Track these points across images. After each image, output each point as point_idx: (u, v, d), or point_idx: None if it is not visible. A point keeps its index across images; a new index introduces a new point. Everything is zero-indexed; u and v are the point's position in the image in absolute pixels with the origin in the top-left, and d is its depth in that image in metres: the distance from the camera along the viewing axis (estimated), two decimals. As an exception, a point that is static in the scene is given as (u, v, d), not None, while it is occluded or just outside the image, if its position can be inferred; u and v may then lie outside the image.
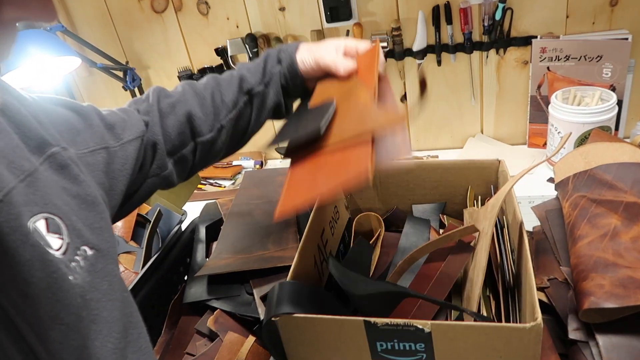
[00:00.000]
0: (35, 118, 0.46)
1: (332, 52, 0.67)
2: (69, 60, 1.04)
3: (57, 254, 0.40)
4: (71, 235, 0.42)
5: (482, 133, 1.29)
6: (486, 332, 0.48)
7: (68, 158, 0.47)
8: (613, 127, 1.02)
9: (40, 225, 0.40)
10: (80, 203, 0.46)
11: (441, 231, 0.77)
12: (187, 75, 1.34)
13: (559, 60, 1.10)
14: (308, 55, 0.68)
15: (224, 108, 0.68)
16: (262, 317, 0.67)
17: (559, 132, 1.05)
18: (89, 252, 0.44)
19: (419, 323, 0.49)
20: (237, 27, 1.25)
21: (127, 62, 1.34)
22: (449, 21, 1.13)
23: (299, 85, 0.70)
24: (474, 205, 0.74)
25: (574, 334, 0.61)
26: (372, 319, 0.50)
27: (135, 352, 0.45)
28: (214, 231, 0.92)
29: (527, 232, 0.82)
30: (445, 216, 0.79)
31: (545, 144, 1.16)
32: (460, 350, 0.50)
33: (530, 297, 0.51)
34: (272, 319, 0.54)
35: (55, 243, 0.40)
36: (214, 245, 0.89)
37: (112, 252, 0.47)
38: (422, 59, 1.19)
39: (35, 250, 0.37)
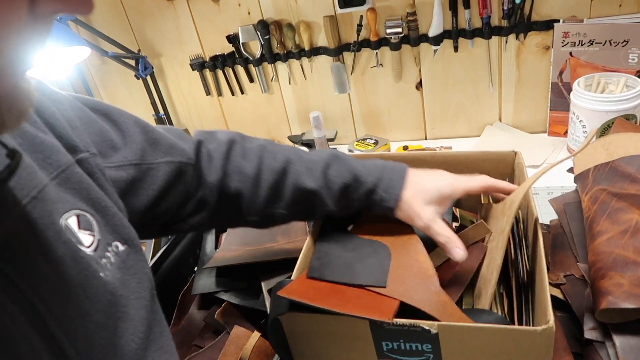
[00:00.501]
0: (68, 122, 0.45)
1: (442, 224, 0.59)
2: (79, 50, 1.04)
3: (88, 250, 0.40)
4: (102, 232, 0.42)
5: (500, 121, 1.25)
6: (495, 334, 0.46)
7: (95, 166, 0.46)
8: (638, 116, 0.98)
9: (72, 222, 0.40)
10: (108, 206, 0.45)
11: (454, 224, 0.75)
12: (199, 63, 1.33)
13: (582, 45, 1.05)
14: (412, 217, 0.59)
15: (282, 200, 0.61)
16: (268, 312, 0.66)
17: (580, 121, 1.01)
18: (121, 247, 0.44)
19: (425, 324, 0.47)
20: (249, 13, 1.23)
21: (138, 51, 1.33)
22: (467, 5, 1.08)
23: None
24: (487, 201, 0.71)
25: (590, 333, 0.59)
26: (378, 319, 0.49)
27: (156, 350, 0.44)
28: (223, 222, 0.91)
29: (544, 225, 0.79)
30: (458, 209, 0.77)
31: (566, 132, 1.12)
32: (468, 352, 0.48)
33: (543, 297, 0.49)
34: (277, 317, 0.53)
35: (86, 240, 0.40)
36: (223, 236, 0.88)
37: (142, 250, 0.47)
38: (439, 44, 1.15)
39: (67, 247, 0.37)
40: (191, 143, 0.60)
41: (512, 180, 0.74)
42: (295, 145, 1.33)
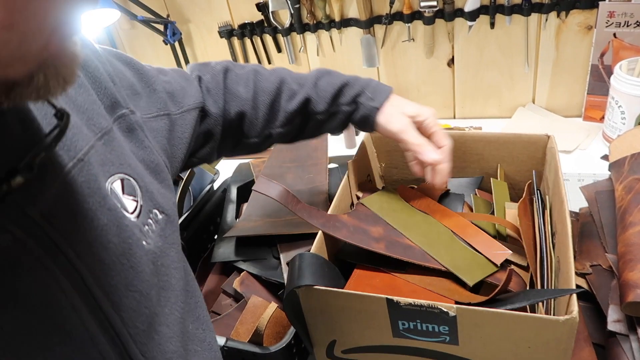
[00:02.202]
0: (110, 77, 0.45)
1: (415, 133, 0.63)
2: (109, 13, 1.04)
3: (132, 217, 0.39)
4: (144, 198, 0.42)
5: (534, 103, 1.21)
6: (515, 320, 0.45)
7: (135, 122, 0.46)
8: (682, 103, 0.93)
9: (116, 186, 0.39)
10: (146, 168, 0.45)
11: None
12: (228, 31, 1.31)
13: (627, 26, 0.99)
14: (390, 121, 0.64)
15: (278, 119, 0.65)
16: (286, 283, 0.66)
17: (619, 106, 0.97)
18: (160, 216, 0.43)
19: (443, 306, 0.47)
20: (280, -19, 1.20)
21: (168, 16, 1.32)
22: (507, -21, 1.03)
23: (367, 129, 0.67)
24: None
25: (613, 325, 0.57)
26: (395, 298, 0.48)
27: (194, 321, 0.45)
28: (245, 192, 0.92)
29: (573, 213, 0.77)
30: (480, 191, 0.75)
31: (602, 117, 1.07)
32: (485, 336, 0.48)
33: (568, 286, 0.47)
34: (294, 289, 0.53)
35: (130, 205, 0.39)
36: (244, 206, 0.88)
37: (177, 219, 0.47)
38: (474, 20, 1.10)
39: (112, 214, 0.36)
40: (196, 84, 0.61)
41: (542, 166, 0.72)
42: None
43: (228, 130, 0.64)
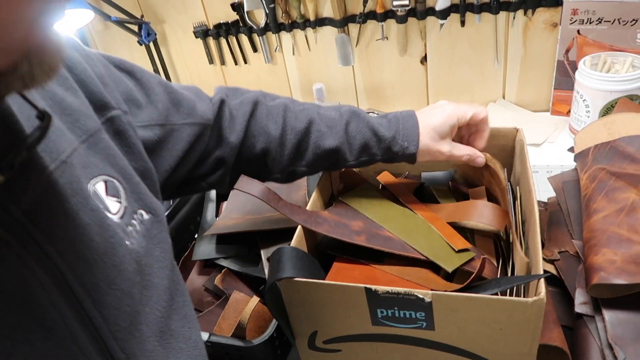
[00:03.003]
0: (100, 79, 0.45)
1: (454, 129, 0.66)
2: (82, 13, 1.03)
3: (115, 217, 0.39)
4: (129, 199, 0.42)
5: (504, 98, 1.24)
6: (488, 304, 0.47)
7: (127, 123, 0.46)
8: (643, 96, 0.97)
9: (99, 187, 0.39)
10: (135, 170, 0.45)
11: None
12: (203, 31, 1.31)
13: (590, 23, 1.04)
14: (432, 153, 0.65)
15: (304, 159, 0.65)
16: (267, 276, 0.67)
17: (584, 100, 1.01)
18: (146, 216, 0.44)
19: (419, 292, 0.49)
20: (254, -19, 1.21)
21: (142, 16, 1.31)
22: (476, -22, 1.07)
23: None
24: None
25: (580, 307, 0.60)
26: (373, 287, 0.50)
27: (180, 319, 0.45)
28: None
29: (541, 203, 0.80)
30: (453, 184, 0.77)
31: (569, 111, 1.12)
32: (460, 320, 0.50)
33: (536, 271, 0.50)
34: (275, 282, 0.54)
35: (113, 207, 0.40)
36: (224, 205, 0.89)
37: (164, 219, 0.47)
38: (445, 19, 1.13)
39: (94, 215, 0.37)
40: (209, 102, 0.61)
41: (512, 158, 0.75)
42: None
43: (249, 163, 0.64)
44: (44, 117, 0.32)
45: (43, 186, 0.33)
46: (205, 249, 0.80)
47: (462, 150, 0.67)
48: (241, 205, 0.86)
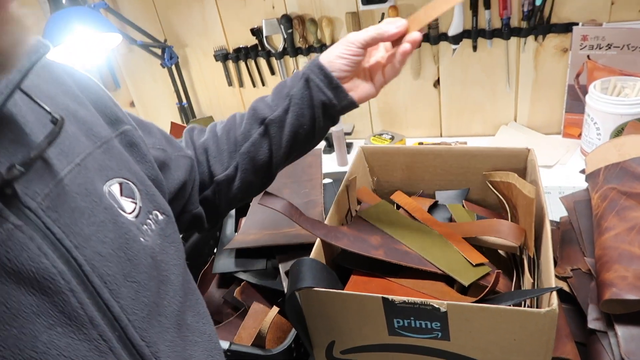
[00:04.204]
0: (111, 100, 0.49)
1: (361, 31, 0.61)
2: (111, 37, 1.08)
3: (130, 216, 0.42)
4: (144, 200, 0.45)
5: (516, 121, 1.27)
6: (502, 315, 0.49)
7: (139, 137, 0.50)
8: (653, 120, 0.99)
9: (114, 189, 0.42)
10: (148, 177, 0.49)
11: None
12: (223, 55, 1.37)
13: (600, 48, 1.06)
14: (335, 48, 0.61)
15: (236, 143, 0.64)
16: (285, 291, 0.69)
17: (595, 123, 1.03)
18: (160, 216, 0.47)
19: (435, 303, 0.50)
20: (273, 7, 1.26)
21: (165, 40, 1.37)
22: (487, 6, 1.10)
23: (332, 85, 0.61)
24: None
25: (593, 323, 0.62)
26: (390, 297, 0.52)
27: (194, 315, 0.47)
28: (243, 207, 0.95)
29: (554, 222, 0.82)
30: (466, 202, 0.79)
31: (580, 134, 1.14)
32: (474, 331, 0.51)
33: (548, 284, 0.51)
34: (295, 292, 0.56)
35: (128, 206, 0.43)
36: (243, 220, 0.92)
37: (175, 222, 0.50)
38: (458, 43, 1.17)
39: (108, 213, 0.40)
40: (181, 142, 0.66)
41: (524, 177, 0.77)
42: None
43: (202, 176, 0.65)
44: (57, 121, 0.37)
45: (58, 185, 0.37)
46: (224, 263, 0.83)
47: (363, 31, 0.60)
48: (259, 221, 0.89)
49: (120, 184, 0.43)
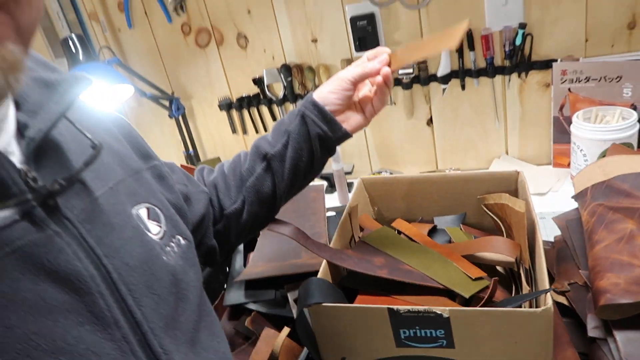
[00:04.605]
0: (141, 138, 0.56)
1: (349, 68, 0.68)
2: (124, 89, 1.16)
3: (155, 237, 0.47)
4: (168, 225, 0.50)
5: (507, 154, 1.33)
6: (501, 317, 0.52)
7: (166, 172, 0.56)
8: (635, 144, 1.05)
9: (142, 212, 0.47)
10: (173, 207, 0.54)
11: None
12: (227, 104, 1.45)
13: (579, 81, 1.14)
14: (326, 85, 0.68)
15: (242, 179, 0.70)
16: (295, 317, 0.72)
17: (581, 150, 1.09)
18: (182, 241, 0.51)
19: (438, 309, 0.54)
20: (273, 58, 1.35)
21: (172, 93, 1.46)
22: (472, 47, 1.19)
23: (326, 120, 0.67)
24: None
25: (593, 331, 0.64)
26: (395, 306, 0.55)
27: (208, 335, 0.50)
28: (251, 243, 0.99)
29: (549, 242, 0.86)
30: (464, 226, 0.83)
31: (569, 163, 1.19)
32: (477, 337, 0.54)
33: (543, 287, 0.55)
34: (304, 309, 0.59)
35: (154, 229, 0.48)
36: (251, 255, 0.95)
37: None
38: (447, 83, 1.25)
39: (135, 231, 0.45)
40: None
41: (516, 196, 0.81)
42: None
43: (260, 207, 0.69)
44: (95, 146, 0.42)
45: (93, 203, 0.42)
46: (235, 295, 0.85)
47: (352, 67, 0.66)
48: (267, 254, 0.92)
49: (148, 209, 0.48)
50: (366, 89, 0.71)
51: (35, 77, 0.41)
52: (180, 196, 0.58)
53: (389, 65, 0.66)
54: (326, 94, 0.68)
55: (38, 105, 0.39)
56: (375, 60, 0.66)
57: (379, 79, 0.66)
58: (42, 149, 0.39)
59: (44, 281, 0.35)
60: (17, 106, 0.39)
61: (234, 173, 0.71)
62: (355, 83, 0.68)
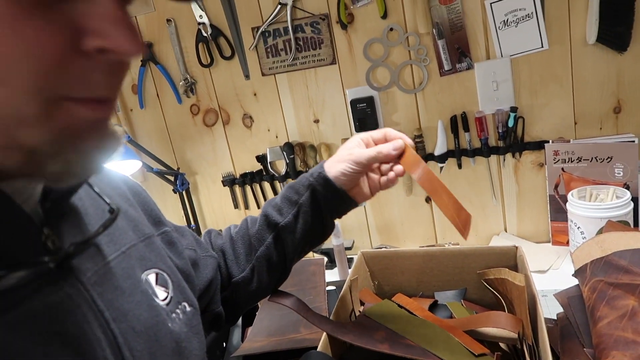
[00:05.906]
0: (155, 205, 0.58)
1: (361, 147, 0.68)
2: (132, 164, 1.20)
3: (162, 303, 0.48)
4: (175, 291, 0.51)
5: (506, 231, 1.34)
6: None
7: (176, 238, 0.58)
8: (632, 222, 1.07)
9: (151, 277, 0.49)
10: (181, 273, 0.55)
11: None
12: (230, 180, 1.49)
13: (572, 162, 1.18)
14: (339, 163, 0.67)
15: (252, 247, 0.69)
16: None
17: (578, 227, 1.10)
18: (188, 308, 0.52)
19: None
20: (277, 137, 1.41)
21: (178, 168, 1.50)
22: (466, 129, 1.25)
23: (338, 195, 0.67)
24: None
25: (602, 413, 0.62)
26: None
27: None
28: (249, 317, 0.97)
29: (552, 320, 0.84)
30: (465, 302, 0.83)
31: (568, 241, 1.20)
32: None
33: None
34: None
35: (161, 294, 0.49)
36: (249, 330, 0.94)
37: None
38: (444, 162, 1.29)
39: (144, 295, 0.46)
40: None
41: (516, 270, 0.81)
42: (315, 255, 1.41)
43: (269, 272, 0.69)
44: (113, 210, 0.44)
45: (105, 266, 0.43)
46: (231, 372, 0.83)
47: (365, 150, 0.66)
48: (265, 328, 0.91)
49: (157, 274, 0.50)
50: (376, 177, 0.70)
51: None
52: (189, 262, 0.59)
53: (402, 153, 0.67)
54: (339, 174, 0.66)
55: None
56: (390, 145, 0.66)
57: (391, 174, 0.67)
58: (63, 212, 0.41)
59: (52, 342, 0.36)
60: None
61: (242, 240, 0.71)
62: (368, 166, 0.68)
